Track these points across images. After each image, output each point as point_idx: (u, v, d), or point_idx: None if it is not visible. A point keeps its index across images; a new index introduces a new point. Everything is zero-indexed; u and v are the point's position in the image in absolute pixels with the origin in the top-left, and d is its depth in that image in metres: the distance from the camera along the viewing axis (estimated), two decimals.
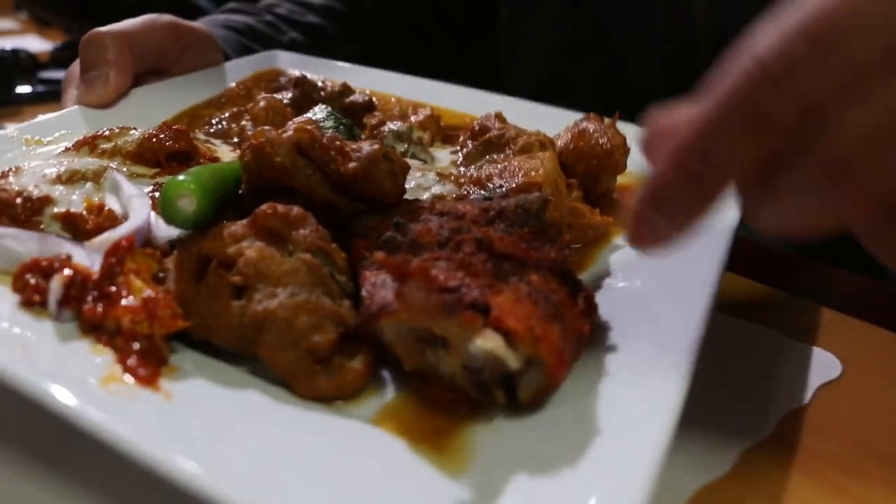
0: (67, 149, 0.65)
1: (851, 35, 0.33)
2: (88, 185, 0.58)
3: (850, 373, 0.57)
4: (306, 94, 0.86)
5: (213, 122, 0.83)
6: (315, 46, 1.10)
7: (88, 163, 0.60)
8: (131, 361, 0.41)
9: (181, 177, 0.49)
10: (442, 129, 0.83)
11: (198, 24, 0.96)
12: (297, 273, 0.45)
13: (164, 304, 0.44)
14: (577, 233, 0.62)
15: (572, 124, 0.73)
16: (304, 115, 0.75)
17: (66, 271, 0.45)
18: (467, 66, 1.34)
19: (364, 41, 1.21)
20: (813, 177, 0.35)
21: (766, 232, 0.39)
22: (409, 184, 0.61)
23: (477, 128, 0.74)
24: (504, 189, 0.61)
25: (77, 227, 0.53)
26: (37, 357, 0.41)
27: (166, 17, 0.87)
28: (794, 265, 0.77)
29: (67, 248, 0.50)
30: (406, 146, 0.76)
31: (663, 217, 0.38)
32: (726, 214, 0.58)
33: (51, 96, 1.17)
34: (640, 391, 0.41)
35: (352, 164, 0.52)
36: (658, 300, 0.51)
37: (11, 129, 0.68)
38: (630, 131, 0.70)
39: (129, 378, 0.41)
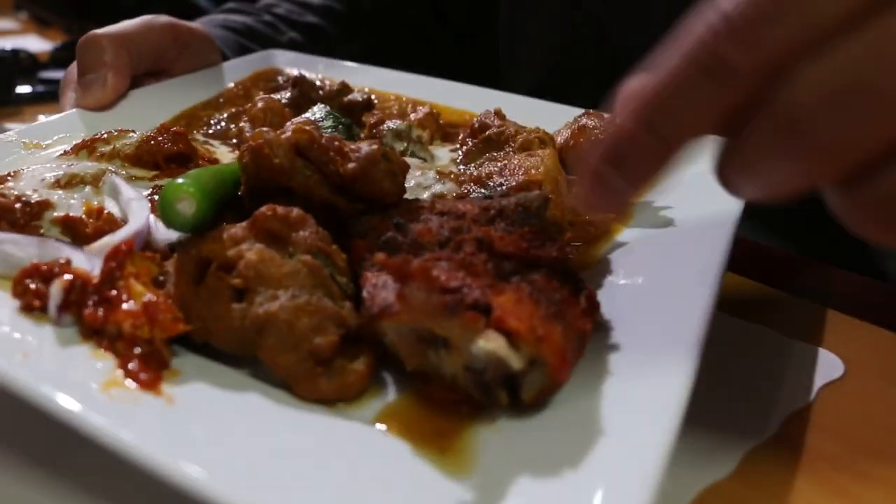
0: (66, 152, 0.65)
1: None
2: (87, 188, 0.58)
3: (851, 373, 0.57)
4: (304, 93, 0.86)
5: (212, 122, 0.83)
6: (314, 47, 1.09)
7: (87, 166, 0.60)
8: (132, 366, 0.41)
9: (180, 180, 0.49)
10: (441, 127, 0.83)
11: (196, 24, 0.96)
12: (298, 275, 0.45)
13: (165, 308, 0.44)
14: (578, 231, 0.61)
15: (572, 120, 0.73)
16: (303, 116, 0.75)
17: (66, 276, 0.45)
18: (467, 65, 1.33)
19: (363, 41, 1.20)
20: (777, 134, 0.34)
21: (742, 197, 0.38)
22: (409, 183, 0.61)
23: (476, 125, 0.74)
24: (504, 187, 0.60)
25: (76, 232, 0.53)
26: (37, 362, 0.41)
27: (164, 18, 0.87)
28: (794, 265, 0.77)
29: (67, 252, 0.50)
30: (405, 144, 0.76)
31: (620, 174, 0.38)
32: (727, 213, 0.58)
33: (51, 96, 1.17)
34: (643, 390, 0.41)
35: (351, 165, 0.52)
36: (660, 298, 0.51)
37: (10, 132, 0.68)
38: None
39: (130, 382, 0.41)
